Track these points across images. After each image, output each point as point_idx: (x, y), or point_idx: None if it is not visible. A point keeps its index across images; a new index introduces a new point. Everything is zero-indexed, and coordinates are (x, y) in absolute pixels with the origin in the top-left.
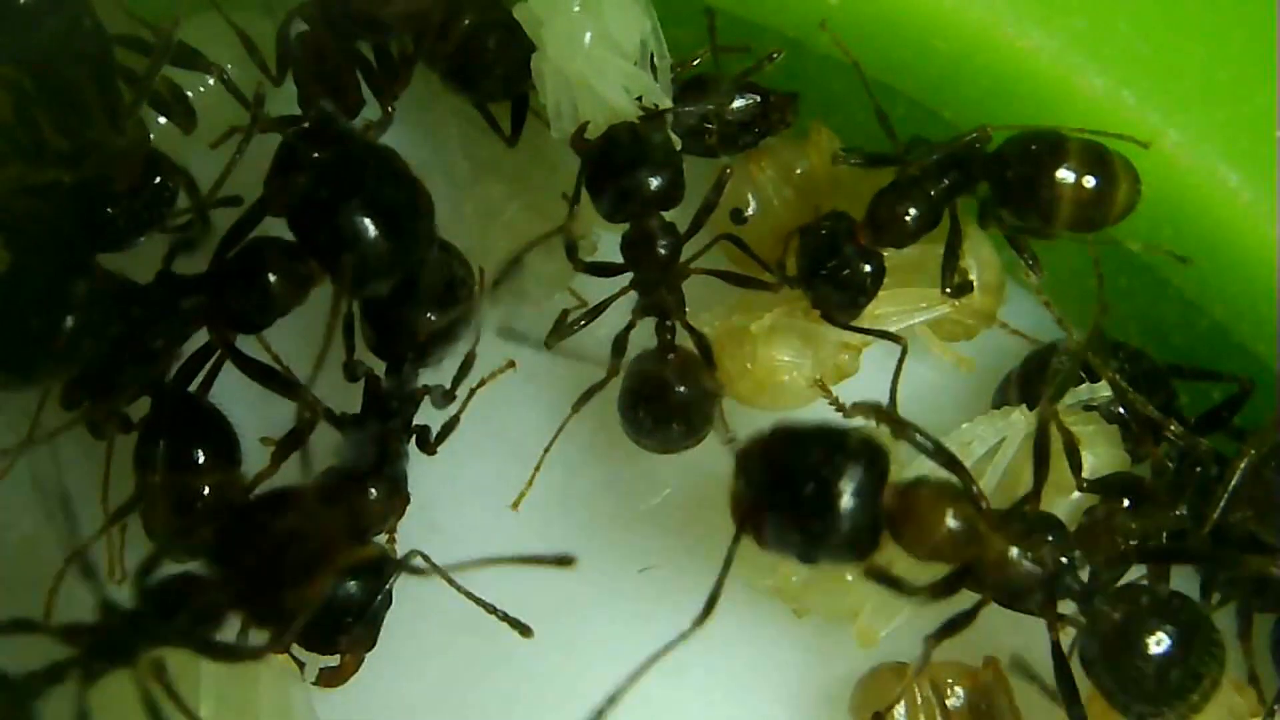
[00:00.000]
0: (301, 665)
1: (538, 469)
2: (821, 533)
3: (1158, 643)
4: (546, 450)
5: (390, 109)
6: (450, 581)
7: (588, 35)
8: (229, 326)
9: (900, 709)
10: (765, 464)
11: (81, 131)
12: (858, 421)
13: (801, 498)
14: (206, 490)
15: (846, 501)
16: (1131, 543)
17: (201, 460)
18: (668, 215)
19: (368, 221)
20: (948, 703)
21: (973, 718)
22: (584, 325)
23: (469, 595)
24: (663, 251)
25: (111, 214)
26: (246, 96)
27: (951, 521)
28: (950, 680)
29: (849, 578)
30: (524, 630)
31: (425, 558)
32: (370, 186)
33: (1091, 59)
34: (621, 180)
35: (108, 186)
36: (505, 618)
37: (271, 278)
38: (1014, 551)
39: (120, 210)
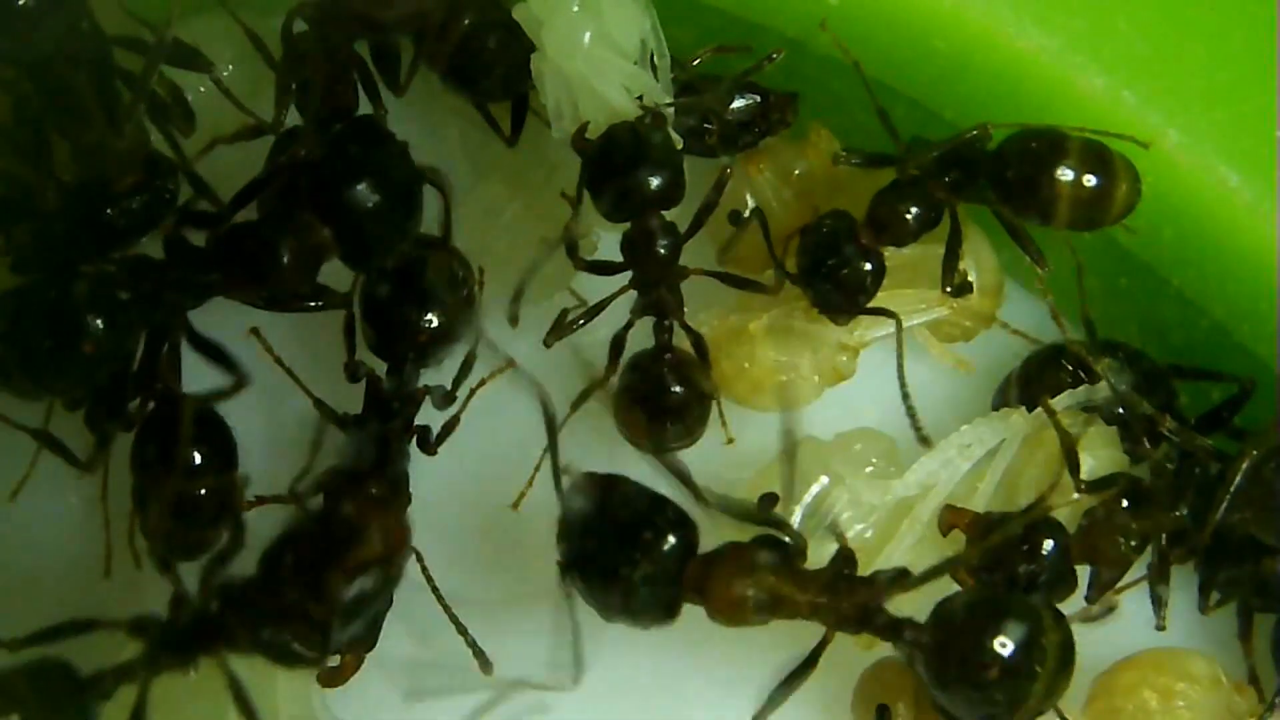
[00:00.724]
0: None
1: (537, 469)
2: (618, 596)
3: (971, 676)
4: (546, 450)
5: (384, 110)
6: (436, 593)
7: (587, 35)
8: (242, 286)
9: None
10: (584, 512)
11: (81, 133)
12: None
13: (605, 559)
14: (203, 493)
15: (643, 572)
16: (1132, 544)
17: (198, 462)
18: (667, 215)
19: (366, 182)
20: None
21: None
22: (583, 324)
23: (448, 611)
24: (663, 251)
25: (111, 214)
26: (244, 95)
27: (749, 592)
28: None
29: None
30: (485, 665)
31: (419, 555)
32: (372, 154)
33: (1092, 59)
34: (622, 180)
35: (108, 187)
36: (472, 645)
37: (283, 247)
38: (823, 603)
39: (120, 211)
